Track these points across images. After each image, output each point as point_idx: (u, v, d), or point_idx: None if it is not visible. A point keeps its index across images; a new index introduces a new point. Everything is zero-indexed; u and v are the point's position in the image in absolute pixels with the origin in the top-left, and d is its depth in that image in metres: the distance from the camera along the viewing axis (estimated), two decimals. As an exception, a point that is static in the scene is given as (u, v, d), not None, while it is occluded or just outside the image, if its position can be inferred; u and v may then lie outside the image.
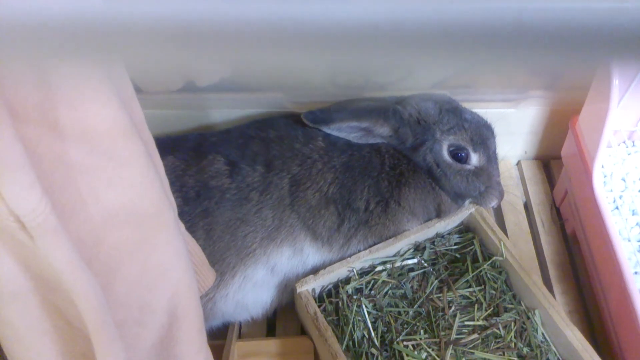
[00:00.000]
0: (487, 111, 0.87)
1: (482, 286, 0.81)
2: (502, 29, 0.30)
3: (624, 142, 0.91)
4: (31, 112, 0.40)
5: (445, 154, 0.80)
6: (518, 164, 1.07)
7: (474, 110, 0.86)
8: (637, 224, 0.83)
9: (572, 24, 0.30)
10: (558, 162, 0.99)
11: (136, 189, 0.48)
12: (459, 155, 0.80)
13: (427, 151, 0.80)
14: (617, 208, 0.84)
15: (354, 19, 0.31)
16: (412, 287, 0.81)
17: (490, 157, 0.81)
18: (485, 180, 0.81)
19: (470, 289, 0.81)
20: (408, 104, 0.82)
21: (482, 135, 0.80)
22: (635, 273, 0.77)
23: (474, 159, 0.81)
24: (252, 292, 0.79)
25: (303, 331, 0.84)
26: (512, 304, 0.80)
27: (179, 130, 0.92)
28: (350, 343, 0.75)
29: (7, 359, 0.49)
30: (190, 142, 0.81)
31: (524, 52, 0.31)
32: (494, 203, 0.84)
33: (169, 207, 0.52)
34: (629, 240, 0.80)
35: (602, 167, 0.88)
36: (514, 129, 1.00)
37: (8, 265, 0.42)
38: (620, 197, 0.86)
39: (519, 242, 0.93)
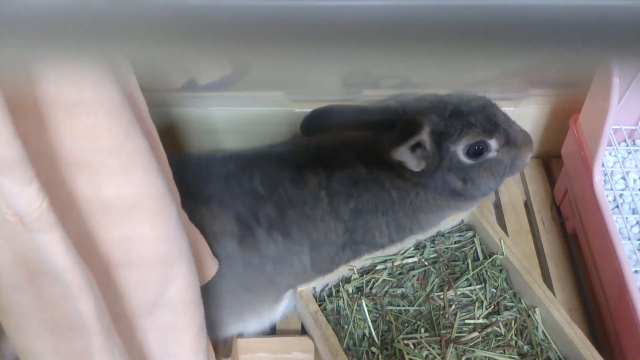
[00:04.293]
0: (488, 109, 0.86)
1: (483, 284, 0.82)
2: (500, 27, 0.30)
3: (625, 140, 0.91)
4: (30, 108, 0.40)
5: (464, 158, 0.72)
6: (518, 162, 1.07)
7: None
8: (637, 222, 0.83)
9: (572, 22, 0.30)
10: (558, 160, 0.99)
11: (137, 184, 0.48)
12: (476, 149, 0.72)
13: (445, 171, 0.73)
14: (617, 207, 0.85)
15: (356, 14, 0.31)
16: (412, 285, 0.81)
17: (502, 127, 0.73)
18: (506, 154, 0.74)
19: (471, 288, 0.81)
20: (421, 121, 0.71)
21: (489, 116, 0.72)
22: (635, 271, 0.77)
23: (493, 144, 0.73)
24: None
25: (304, 330, 0.84)
26: (512, 302, 0.80)
27: (179, 128, 0.92)
28: (351, 342, 0.75)
29: (12, 346, 0.49)
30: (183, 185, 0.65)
31: (523, 50, 0.31)
32: (526, 161, 0.77)
33: (172, 201, 0.52)
34: (629, 239, 0.80)
35: (602, 165, 0.88)
36: (517, 127, 1.00)
37: (7, 259, 0.42)
38: (621, 195, 0.86)
39: (519, 241, 0.93)
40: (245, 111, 0.90)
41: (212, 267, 0.66)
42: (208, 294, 0.70)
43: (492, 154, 0.73)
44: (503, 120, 0.74)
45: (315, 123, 0.69)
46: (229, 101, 0.91)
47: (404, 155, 0.70)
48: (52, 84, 0.40)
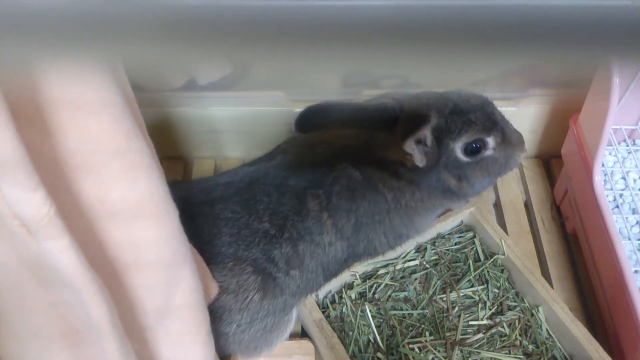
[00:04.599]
0: (488, 109, 0.86)
1: (485, 285, 0.81)
2: (500, 27, 0.29)
3: (625, 140, 0.92)
4: (34, 114, 0.39)
5: (461, 156, 0.71)
6: (518, 162, 1.07)
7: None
8: (637, 222, 0.84)
9: (573, 22, 0.29)
10: (559, 160, 0.99)
11: (141, 188, 0.47)
12: (474, 147, 0.71)
13: (442, 168, 0.72)
14: (617, 207, 0.85)
15: (356, 14, 0.30)
16: (415, 289, 0.81)
17: (499, 125, 0.73)
18: (502, 153, 0.73)
19: (473, 289, 0.81)
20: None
21: (488, 114, 0.72)
22: (635, 271, 0.77)
23: (491, 142, 0.72)
24: None
25: (304, 332, 0.83)
26: (515, 301, 0.80)
27: (179, 128, 0.91)
28: (356, 349, 0.74)
29: None
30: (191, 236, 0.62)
31: (523, 50, 0.30)
32: (519, 160, 0.77)
33: (173, 209, 0.51)
34: (629, 239, 0.81)
35: (602, 165, 0.88)
36: (515, 127, 1.00)
37: (14, 266, 0.40)
38: (621, 195, 0.86)
39: (519, 241, 0.93)
40: (245, 111, 0.89)
41: (212, 289, 0.65)
42: (230, 341, 0.70)
43: (488, 152, 0.73)
44: (500, 118, 0.74)
45: (311, 120, 0.67)
46: (229, 101, 0.89)
47: (412, 147, 0.69)
48: (54, 87, 0.39)
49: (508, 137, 0.74)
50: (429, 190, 0.74)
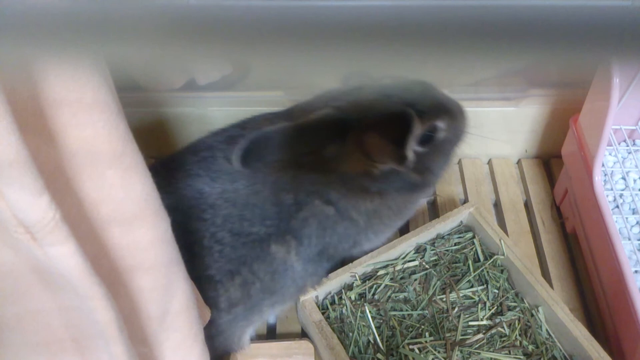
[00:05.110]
0: (488, 110, 0.86)
1: (485, 285, 0.81)
2: (500, 27, 0.29)
3: (625, 140, 0.92)
4: (30, 120, 0.38)
5: (417, 148, 0.67)
6: (518, 162, 1.06)
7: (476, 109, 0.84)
8: (637, 222, 0.84)
9: (573, 22, 0.29)
10: (559, 160, 0.99)
11: (138, 192, 0.46)
12: (428, 135, 0.67)
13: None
14: (617, 207, 0.85)
15: (356, 14, 0.30)
16: (414, 289, 0.81)
17: (445, 105, 0.69)
18: (452, 131, 0.70)
19: (473, 289, 0.81)
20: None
21: (432, 98, 0.68)
22: (636, 272, 0.77)
23: (442, 125, 0.69)
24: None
25: (304, 333, 0.83)
26: (515, 302, 0.80)
27: (178, 128, 0.90)
28: (356, 349, 0.74)
29: None
30: None
31: (523, 50, 0.30)
32: (466, 129, 0.73)
33: (166, 218, 0.51)
34: (629, 239, 0.81)
35: (603, 165, 0.88)
36: (515, 127, 1.00)
37: (20, 272, 0.40)
38: (621, 195, 0.86)
39: (519, 241, 0.93)
40: (245, 111, 0.89)
41: (206, 313, 0.64)
42: None
43: (441, 135, 0.69)
44: (442, 97, 0.70)
45: (255, 153, 0.60)
46: (229, 101, 0.89)
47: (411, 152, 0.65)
48: (53, 90, 0.38)
49: (453, 114, 0.70)
50: (399, 193, 0.71)
